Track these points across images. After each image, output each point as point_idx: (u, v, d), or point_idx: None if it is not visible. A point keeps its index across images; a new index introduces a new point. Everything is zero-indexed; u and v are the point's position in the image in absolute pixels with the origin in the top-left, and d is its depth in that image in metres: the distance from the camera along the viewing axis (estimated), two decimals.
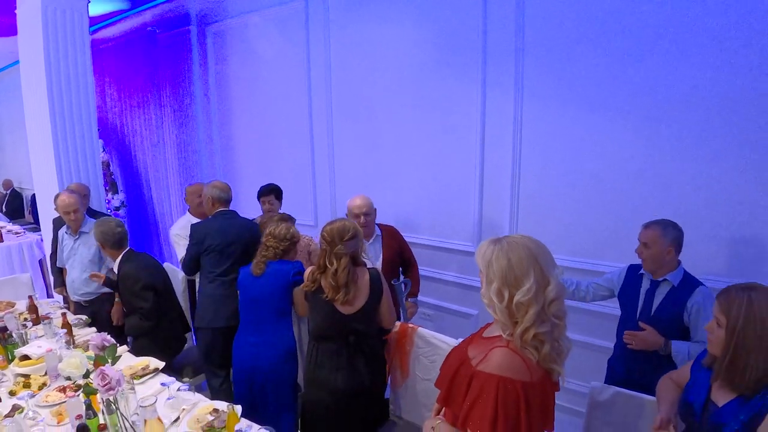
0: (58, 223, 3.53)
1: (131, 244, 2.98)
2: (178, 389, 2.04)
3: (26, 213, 8.11)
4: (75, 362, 1.62)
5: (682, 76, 2.40)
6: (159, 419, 1.74)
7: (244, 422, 1.82)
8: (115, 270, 2.88)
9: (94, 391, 1.68)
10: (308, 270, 2.15)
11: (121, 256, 2.86)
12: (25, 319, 2.96)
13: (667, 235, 2.03)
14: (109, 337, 1.67)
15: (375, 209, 2.91)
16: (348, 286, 1.97)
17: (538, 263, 1.19)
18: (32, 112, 4.09)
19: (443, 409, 1.40)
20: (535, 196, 2.99)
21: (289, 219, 2.92)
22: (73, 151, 3.97)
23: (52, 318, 2.84)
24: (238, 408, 1.84)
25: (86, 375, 1.70)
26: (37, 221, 7.42)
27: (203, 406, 2.00)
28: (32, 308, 2.97)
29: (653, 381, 1.67)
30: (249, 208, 4.00)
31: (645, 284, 2.11)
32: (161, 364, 2.29)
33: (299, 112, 4.17)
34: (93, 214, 3.58)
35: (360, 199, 2.85)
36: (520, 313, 1.18)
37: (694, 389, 1.38)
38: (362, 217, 2.77)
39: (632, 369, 2.08)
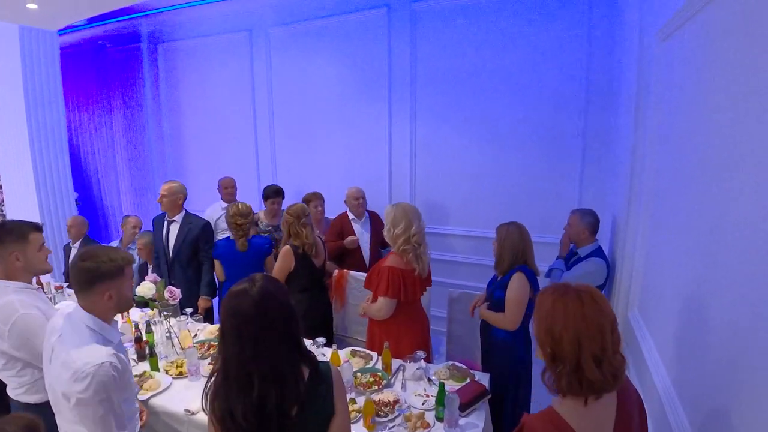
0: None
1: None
2: (192, 318, 3.05)
3: None
4: (148, 286, 2.56)
5: (514, 110, 3.83)
6: (188, 330, 2.79)
7: None
8: None
9: (155, 305, 2.68)
10: (283, 242, 3.12)
11: None
12: None
13: (583, 219, 2.65)
14: (156, 276, 2.63)
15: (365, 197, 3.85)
16: (315, 243, 3.06)
17: (408, 216, 2.46)
18: (7, 127, 4.61)
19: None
20: (425, 185, 4.34)
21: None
22: (47, 156, 4.58)
23: (64, 287, 3.62)
24: None
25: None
26: None
27: (211, 327, 3.04)
28: (38, 283, 3.71)
29: None
30: (199, 202, 4.91)
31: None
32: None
33: (244, 118, 5.15)
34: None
35: (356, 187, 3.85)
36: (396, 239, 2.46)
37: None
38: (360, 200, 3.79)
39: None
